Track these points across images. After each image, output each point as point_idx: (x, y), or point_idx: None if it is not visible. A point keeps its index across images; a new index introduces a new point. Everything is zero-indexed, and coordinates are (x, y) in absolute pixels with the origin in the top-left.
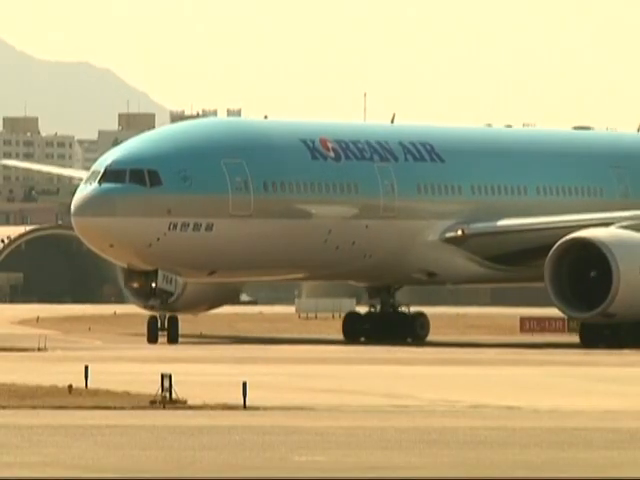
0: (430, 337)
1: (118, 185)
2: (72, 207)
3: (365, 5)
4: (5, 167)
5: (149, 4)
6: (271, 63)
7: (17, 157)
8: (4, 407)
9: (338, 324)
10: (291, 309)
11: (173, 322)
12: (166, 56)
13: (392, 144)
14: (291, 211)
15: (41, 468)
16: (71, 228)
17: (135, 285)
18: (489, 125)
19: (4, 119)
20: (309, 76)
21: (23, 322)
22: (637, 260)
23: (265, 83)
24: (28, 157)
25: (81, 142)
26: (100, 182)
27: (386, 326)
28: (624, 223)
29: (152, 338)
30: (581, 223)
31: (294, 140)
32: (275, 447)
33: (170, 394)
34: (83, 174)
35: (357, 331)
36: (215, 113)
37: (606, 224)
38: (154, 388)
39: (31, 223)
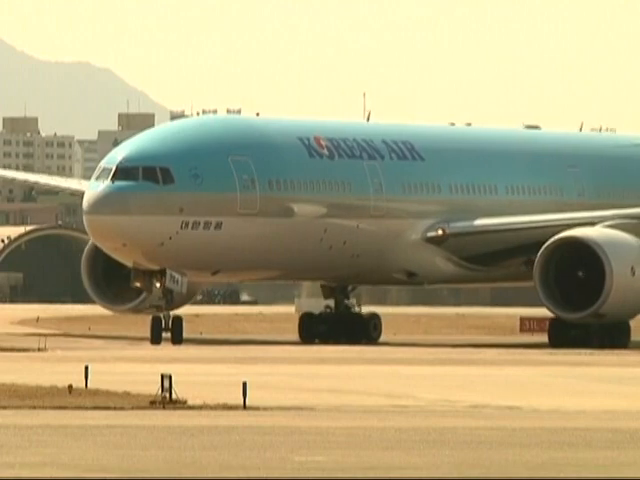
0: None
1: (131, 183)
2: (84, 205)
3: (365, 5)
4: (5, 167)
5: (149, 4)
6: (271, 63)
7: (17, 157)
8: (4, 407)
9: None
10: (291, 309)
11: (177, 323)
12: (166, 56)
13: (377, 142)
14: (294, 209)
15: (41, 468)
16: (71, 228)
17: (138, 285)
18: (469, 124)
19: (4, 119)
20: (309, 76)
21: (23, 322)
22: (628, 260)
23: (265, 83)
24: (28, 157)
25: (81, 142)
26: (113, 179)
27: (341, 327)
28: (608, 223)
29: (156, 339)
30: (561, 223)
31: (292, 138)
32: (275, 447)
33: (170, 394)
34: (84, 185)
35: (313, 332)
36: (215, 113)
37: (588, 224)
38: (154, 388)
39: (31, 223)
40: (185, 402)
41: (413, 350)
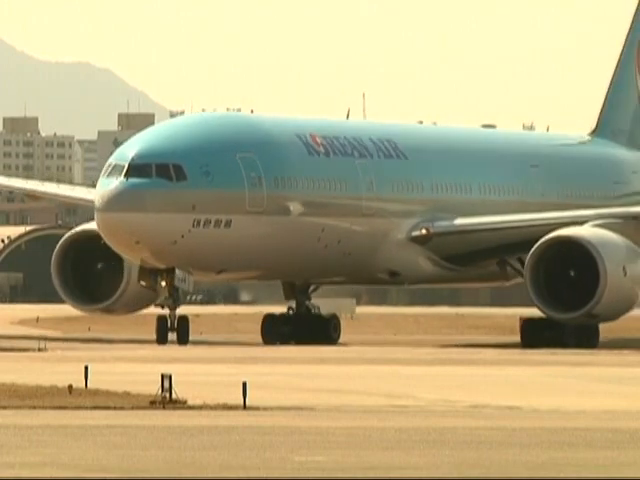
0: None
1: (145, 180)
2: (97, 202)
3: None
4: (5, 167)
5: (149, 4)
6: (271, 63)
7: (17, 157)
8: (4, 407)
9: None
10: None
11: (183, 323)
12: (166, 56)
13: (365, 141)
14: (297, 208)
15: (41, 468)
16: (71, 228)
17: (144, 284)
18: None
19: (4, 119)
20: (309, 76)
21: (23, 322)
22: (620, 260)
23: (265, 83)
24: (28, 157)
25: (81, 142)
26: (127, 176)
27: (303, 328)
28: (595, 222)
29: (161, 339)
30: (545, 222)
31: (291, 135)
32: (275, 447)
33: (170, 394)
34: (83, 192)
35: (275, 333)
36: None
37: (574, 223)
38: (154, 388)
39: (31, 223)
40: (185, 402)
41: (413, 350)
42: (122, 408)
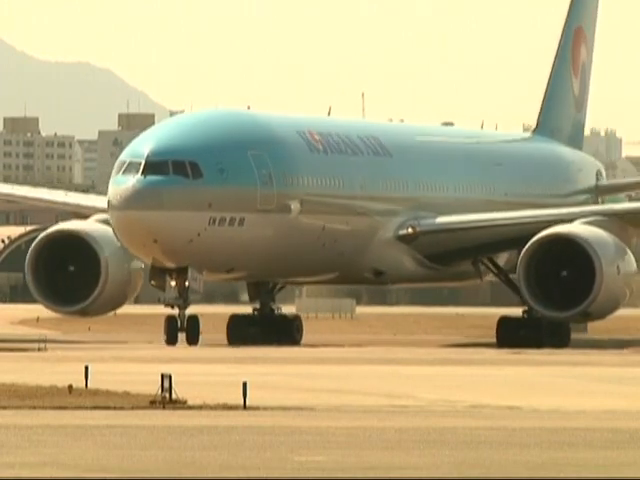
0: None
1: (163, 177)
2: (114, 200)
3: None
4: (5, 167)
5: (149, 4)
6: (271, 63)
7: (17, 157)
8: (4, 407)
9: (338, 324)
10: (292, 309)
11: (193, 323)
12: (166, 56)
13: (354, 138)
14: (303, 206)
15: (41, 468)
16: None
17: (155, 283)
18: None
19: (4, 119)
20: (309, 77)
21: (23, 322)
22: (614, 258)
23: (265, 83)
24: (28, 157)
25: (81, 142)
26: (144, 174)
27: (268, 329)
28: (584, 220)
29: (171, 339)
30: (534, 220)
31: (292, 132)
32: (275, 447)
33: (170, 394)
34: (81, 198)
35: (241, 334)
36: None
37: (562, 221)
38: (154, 388)
39: (31, 223)
40: (185, 402)
41: (413, 350)
42: (122, 408)
